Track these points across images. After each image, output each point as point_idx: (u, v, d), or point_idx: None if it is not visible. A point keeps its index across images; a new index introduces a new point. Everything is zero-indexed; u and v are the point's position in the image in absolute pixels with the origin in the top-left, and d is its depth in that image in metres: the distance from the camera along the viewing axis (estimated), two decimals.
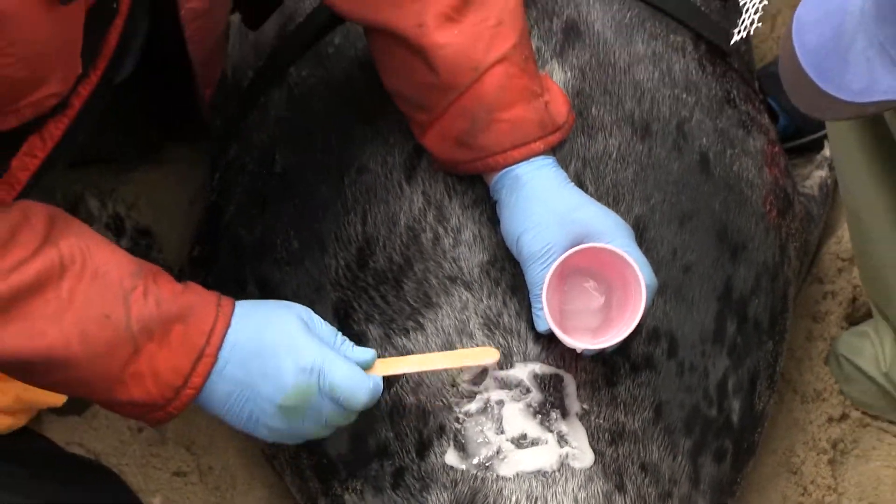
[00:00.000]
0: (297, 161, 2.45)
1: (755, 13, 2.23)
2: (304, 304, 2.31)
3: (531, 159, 2.26)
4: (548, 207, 2.23)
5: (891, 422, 2.71)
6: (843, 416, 2.71)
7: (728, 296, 2.39)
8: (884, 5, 1.55)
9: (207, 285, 2.43)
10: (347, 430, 2.26)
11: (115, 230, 2.85)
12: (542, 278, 2.17)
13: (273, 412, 2.08)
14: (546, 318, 2.15)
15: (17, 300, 1.98)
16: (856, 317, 2.79)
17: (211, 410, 2.12)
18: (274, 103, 2.55)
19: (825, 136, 2.87)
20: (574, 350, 2.21)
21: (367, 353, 2.14)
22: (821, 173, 2.88)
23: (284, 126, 2.51)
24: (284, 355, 2.07)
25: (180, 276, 2.60)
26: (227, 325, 2.10)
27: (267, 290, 2.45)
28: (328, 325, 2.15)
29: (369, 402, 2.09)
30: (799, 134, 3.02)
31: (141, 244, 2.88)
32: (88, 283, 2.02)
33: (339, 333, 2.15)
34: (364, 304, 2.33)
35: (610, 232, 2.20)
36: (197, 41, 2.37)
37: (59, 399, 2.31)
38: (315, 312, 2.28)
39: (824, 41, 1.63)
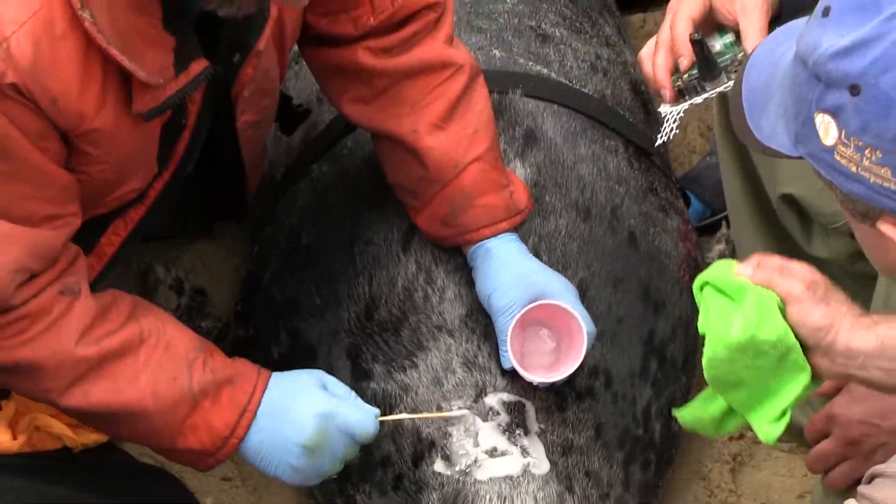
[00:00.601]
0: (318, 237, 2.46)
1: (673, 123, 2.16)
2: (323, 348, 2.40)
3: (499, 236, 2.29)
4: (512, 272, 2.25)
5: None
6: (741, 436, 2.68)
7: (651, 341, 2.40)
8: (793, 80, 1.54)
9: (250, 333, 2.59)
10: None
11: (177, 290, 2.83)
12: (507, 327, 2.19)
13: (298, 453, 2.10)
14: (510, 358, 2.18)
15: (105, 362, 2.03)
16: None
17: (247, 459, 2.15)
18: (301, 193, 2.55)
19: (725, 219, 2.82)
20: (532, 383, 2.22)
21: (372, 409, 2.15)
22: (720, 247, 2.84)
23: (308, 211, 2.52)
24: (304, 407, 2.10)
25: (227, 328, 2.70)
26: (265, 388, 2.12)
27: (296, 338, 2.44)
28: (342, 384, 2.17)
29: (375, 434, 2.13)
30: (704, 218, 3.00)
31: (197, 301, 2.85)
32: (162, 353, 2.07)
33: (352, 391, 2.17)
34: (371, 347, 2.33)
35: (560, 292, 2.22)
36: (249, 146, 2.36)
37: None
38: (332, 354, 2.38)
39: (760, 84, 1.62)
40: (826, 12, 1.48)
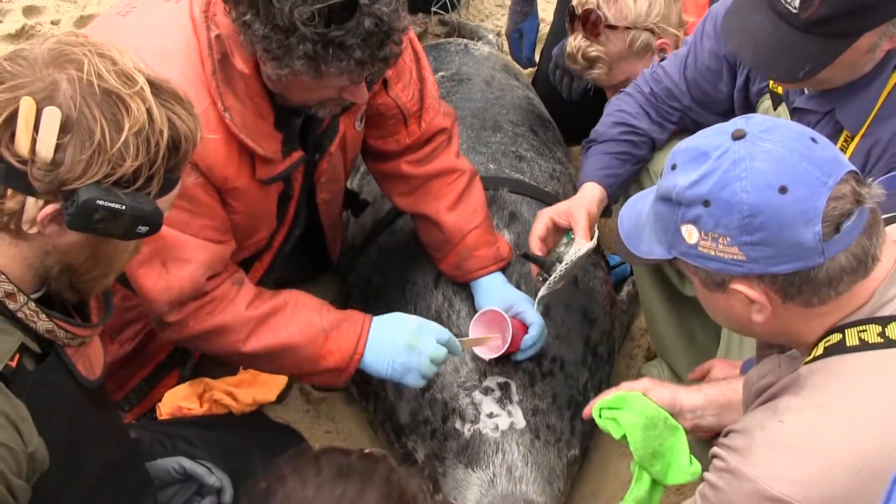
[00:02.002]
0: (382, 281, 2.43)
1: (546, 292, 2.18)
2: None
3: (489, 275, 2.28)
4: (494, 294, 2.25)
5: None
6: None
7: (588, 343, 2.38)
8: (658, 214, 1.50)
9: None
10: (409, 409, 2.25)
11: None
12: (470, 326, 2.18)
13: (402, 348, 2.04)
14: (470, 332, 2.17)
15: (266, 318, 2.02)
16: (649, 357, 2.73)
17: (367, 368, 2.08)
18: (371, 253, 2.53)
19: (630, 272, 2.79)
20: (515, 366, 2.22)
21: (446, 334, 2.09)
22: (628, 288, 2.80)
23: (377, 264, 2.49)
24: (403, 322, 2.07)
25: None
26: (371, 322, 2.07)
27: None
28: (427, 323, 2.09)
29: (451, 344, 2.07)
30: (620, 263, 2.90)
31: None
32: (300, 309, 2.05)
33: (429, 326, 2.09)
34: None
35: (527, 308, 2.20)
36: (326, 216, 2.33)
37: (273, 397, 2.26)
38: None
39: (632, 226, 1.58)
40: (674, 167, 1.46)
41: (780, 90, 2.05)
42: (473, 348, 2.17)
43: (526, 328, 2.18)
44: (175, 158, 1.43)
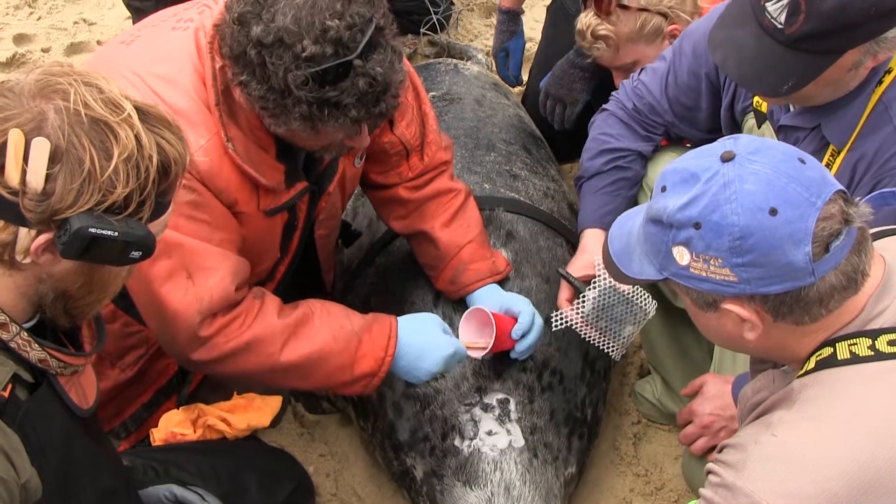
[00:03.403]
0: (380, 302, 2.40)
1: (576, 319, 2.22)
2: None
3: (485, 287, 2.25)
4: (491, 303, 2.22)
5: (662, 423, 2.65)
6: (639, 422, 2.66)
7: (587, 358, 2.36)
8: (649, 235, 1.50)
9: None
10: (409, 426, 2.22)
11: None
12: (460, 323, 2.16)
13: (427, 376, 2.06)
14: (460, 337, 2.13)
15: (297, 328, 1.97)
16: (642, 374, 2.74)
17: (397, 374, 2.06)
18: (369, 275, 2.51)
19: None
20: (515, 384, 2.20)
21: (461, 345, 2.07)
22: None
23: (374, 285, 2.46)
24: (435, 353, 2.03)
25: None
26: (398, 323, 2.04)
27: None
28: (446, 325, 2.09)
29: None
30: None
31: None
32: (327, 315, 2.01)
33: (449, 328, 2.09)
34: None
35: (518, 303, 2.20)
36: (322, 251, 2.33)
37: (267, 421, 2.22)
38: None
39: (622, 246, 1.58)
40: (664, 189, 1.46)
41: (764, 108, 2.04)
42: (468, 353, 2.13)
43: (514, 320, 2.15)
44: (165, 182, 1.42)
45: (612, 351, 2.20)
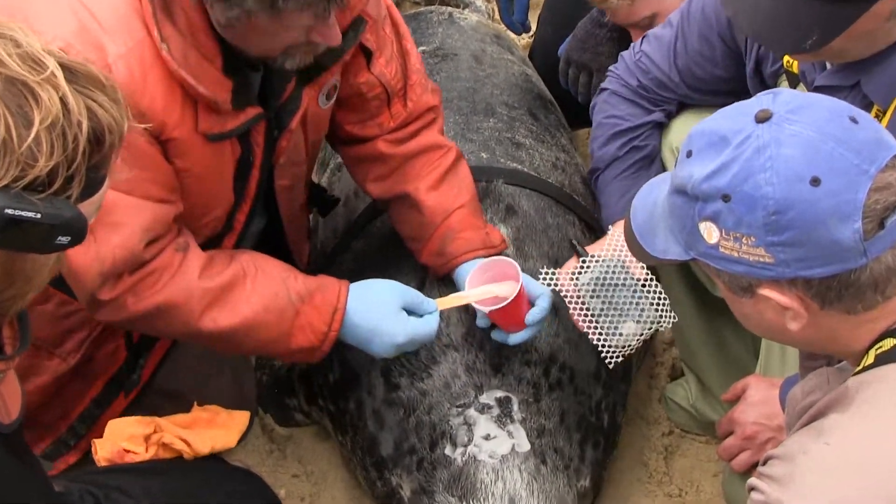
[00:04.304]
0: None
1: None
2: (364, 371, 2.35)
3: (475, 260, 2.28)
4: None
5: (697, 434, 2.72)
6: (671, 432, 2.74)
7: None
8: (673, 208, 1.53)
9: (310, 367, 2.52)
10: (392, 438, 2.30)
11: None
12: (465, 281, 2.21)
13: (384, 355, 2.14)
14: (467, 288, 2.18)
15: (222, 292, 2.04)
16: (674, 376, 2.84)
17: (350, 342, 2.15)
18: (346, 261, 2.58)
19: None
20: (517, 380, 2.26)
21: (432, 305, 2.16)
22: None
23: (351, 273, 2.42)
24: (385, 338, 2.10)
25: (293, 365, 2.65)
26: (348, 292, 2.12)
27: (345, 366, 2.42)
28: (412, 291, 2.16)
29: (435, 331, 2.16)
30: None
31: None
32: (262, 279, 2.09)
33: (420, 294, 2.17)
34: (398, 366, 2.32)
35: (543, 291, 2.21)
36: (285, 207, 2.37)
37: (233, 442, 2.21)
38: (371, 375, 2.34)
39: (645, 219, 1.61)
40: (689, 154, 1.51)
41: (796, 68, 2.14)
42: (474, 303, 2.20)
43: (531, 303, 2.24)
44: (98, 154, 1.44)
45: (603, 347, 2.22)
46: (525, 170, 2.64)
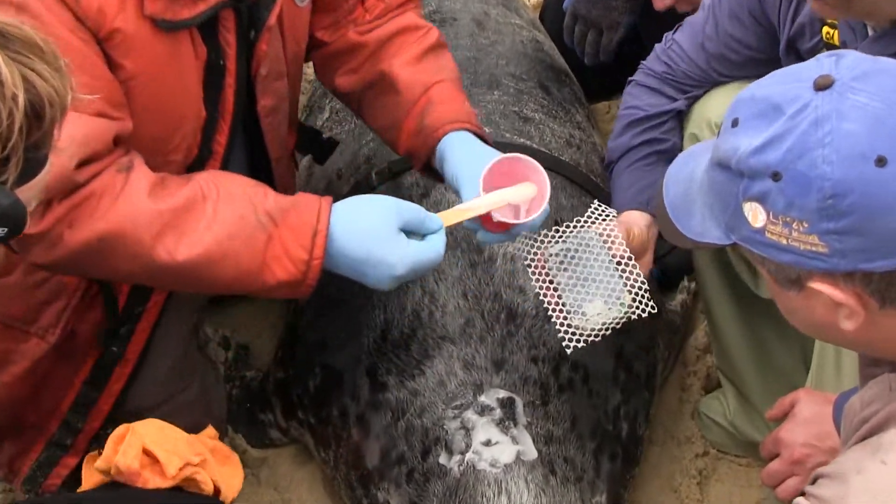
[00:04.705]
0: (340, 287, 2.38)
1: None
2: (348, 372, 2.38)
3: (462, 132, 2.26)
4: (476, 152, 2.23)
5: (737, 455, 2.73)
6: (706, 453, 2.74)
7: (621, 354, 2.46)
8: (714, 183, 1.54)
9: (289, 374, 2.59)
10: (379, 447, 2.32)
11: (224, 346, 2.85)
12: (474, 191, 2.13)
13: (382, 288, 2.07)
14: (480, 192, 2.10)
15: (177, 218, 1.99)
16: (709, 387, 2.84)
17: (341, 273, 2.09)
18: None
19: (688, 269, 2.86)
20: (522, 379, 2.27)
21: (437, 221, 2.07)
22: (682, 296, 2.91)
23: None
24: (379, 269, 2.03)
25: (267, 374, 2.70)
26: (330, 208, 2.05)
27: (327, 369, 2.45)
28: (411, 206, 2.09)
29: (442, 251, 2.07)
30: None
31: (241, 354, 2.86)
32: (224, 200, 2.04)
33: (422, 209, 2.09)
34: (385, 363, 2.36)
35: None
36: (270, 134, 2.36)
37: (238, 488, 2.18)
38: (356, 375, 2.36)
39: (679, 195, 1.62)
40: (735, 123, 1.51)
41: (836, 40, 2.17)
42: (492, 212, 2.14)
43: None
44: (38, 131, 1.44)
45: (561, 326, 2.19)
46: (534, 146, 2.66)
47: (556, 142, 2.74)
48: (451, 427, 2.29)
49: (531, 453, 2.25)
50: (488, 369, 2.33)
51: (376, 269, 2.06)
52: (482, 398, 2.31)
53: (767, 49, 2.37)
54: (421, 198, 2.57)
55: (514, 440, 2.26)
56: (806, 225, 1.45)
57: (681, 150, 2.46)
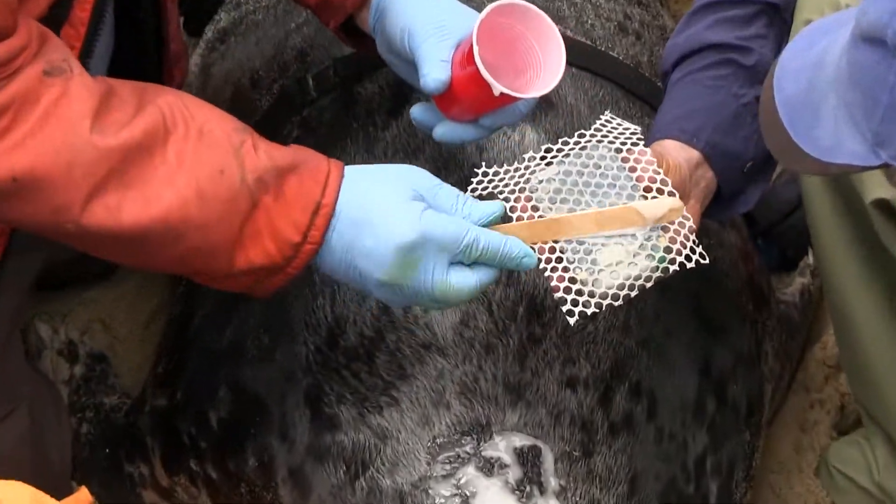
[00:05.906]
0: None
1: None
2: (275, 398, 2.44)
3: None
4: (431, 2, 2.32)
5: None
6: None
7: (708, 371, 2.48)
8: (856, 69, 1.59)
9: (177, 399, 2.64)
10: None
11: (69, 357, 2.86)
12: (440, 50, 2.21)
13: (375, 285, 2.11)
14: (479, 65, 2.12)
15: (128, 163, 2.01)
16: (845, 425, 2.84)
17: (326, 272, 2.17)
18: None
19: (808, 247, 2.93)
20: (552, 415, 2.31)
21: (493, 206, 2.14)
22: (803, 280, 2.96)
23: None
24: (383, 233, 2.08)
25: (142, 401, 2.75)
26: (341, 177, 2.13)
27: (239, 392, 2.49)
28: (448, 187, 2.15)
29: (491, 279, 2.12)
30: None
31: (96, 370, 2.87)
32: (195, 142, 2.07)
33: (461, 194, 2.15)
34: (335, 384, 2.37)
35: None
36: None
37: None
38: (287, 404, 2.42)
39: (800, 91, 1.68)
40: None
41: None
42: (490, 79, 2.17)
43: None
44: None
45: (559, 282, 2.17)
46: (569, 33, 2.69)
47: (603, 27, 2.78)
48: (439, 492, 2.29)
49: None
50: (498, 399, 2.34)
51: (376, 237, 2.10)
52: (488, 447, 2.32)
53: None
54: (388, 115, 2.58)
55: None
56: None
57: (766, 68, 2.38)
